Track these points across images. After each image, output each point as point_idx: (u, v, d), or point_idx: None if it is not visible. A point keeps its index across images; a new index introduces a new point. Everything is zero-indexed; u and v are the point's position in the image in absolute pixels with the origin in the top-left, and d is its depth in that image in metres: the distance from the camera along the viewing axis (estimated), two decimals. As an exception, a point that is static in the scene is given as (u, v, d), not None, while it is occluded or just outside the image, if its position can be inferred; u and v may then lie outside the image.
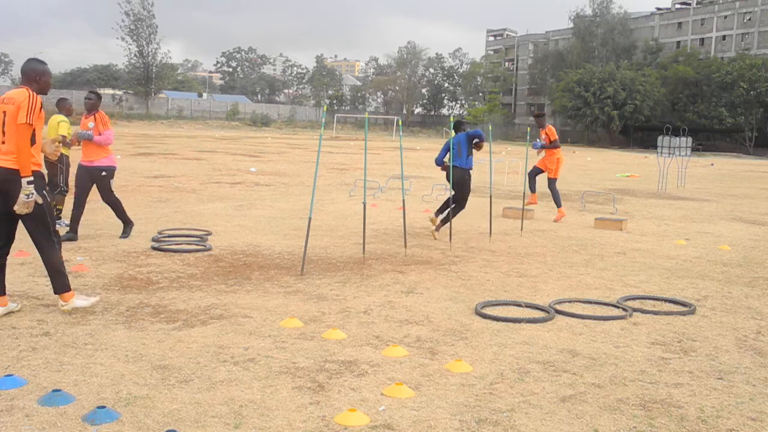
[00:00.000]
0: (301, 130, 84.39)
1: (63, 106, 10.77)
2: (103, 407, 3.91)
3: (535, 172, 13.79)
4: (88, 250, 8.63)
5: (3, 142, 5.64)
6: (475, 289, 7.34)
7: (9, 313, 5.79)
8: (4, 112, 5.65)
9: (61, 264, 5.95)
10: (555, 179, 13.35)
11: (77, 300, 6.03)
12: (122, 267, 7.80)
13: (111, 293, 6.62)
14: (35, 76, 5.79)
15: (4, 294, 5.85)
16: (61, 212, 10.45)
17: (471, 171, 10.29)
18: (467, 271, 8.24)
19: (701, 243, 11.14)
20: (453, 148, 10.20)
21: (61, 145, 10.25)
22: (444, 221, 10.29)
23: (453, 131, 10.44)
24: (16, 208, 5.54)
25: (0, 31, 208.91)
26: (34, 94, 5.68)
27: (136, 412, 3.97)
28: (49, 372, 4.53)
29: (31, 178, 5.54)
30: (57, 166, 10.44)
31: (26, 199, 5.50)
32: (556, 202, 13.18)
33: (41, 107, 5.69)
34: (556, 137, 13.45)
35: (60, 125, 10.29)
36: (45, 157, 10.21)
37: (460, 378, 4.72)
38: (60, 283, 5.92)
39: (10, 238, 5.92)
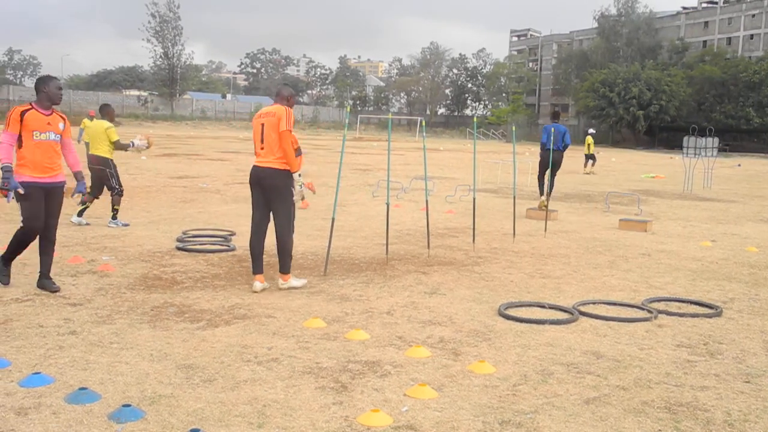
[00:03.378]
0: (325, 131, 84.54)
1: (107, 112, 11.07)
2: (129, 406, 3.95)
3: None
4: (113, 250, 8.72)
5: (262, 149, 7.02)
6: (498, 290, 7.32)
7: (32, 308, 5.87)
8: (262, 124, 7.02)
9: (291, 248, 7.20)
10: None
11: (293, 280, 7.10)
12: (147, 267, 7.87)
13: (136, 293, 6.69)
14: (288, 95, 7.35)
15: (262, 272, 7.10)
16: (117, 212, 10.74)
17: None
18: (490, 272, 8.22)
19: (728, 244, 11.01)
20: (552, 135, 13.69)
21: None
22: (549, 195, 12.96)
23: (551, 119, 14.09)
24: (295, 198, 7.39)
25: (25, 33, 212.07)
26: (289, 108, 7.21)
27: (160, 410, 4.01)
28: (76, 370, 4.59)
29: (299, 173, 7.49)
30: (106, 170, 10.68)
31: (300, 188, 7.67)
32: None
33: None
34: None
35: (108, 131, 10.61)
36: (91, 162, 10.61)
37: (483, 379, 4.71)
38: (285, 265, 7.07)
39: (268, 218, 7.19)
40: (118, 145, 10.66)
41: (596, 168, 30.38)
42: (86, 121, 20.14)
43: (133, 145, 10.88)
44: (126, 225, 10.66)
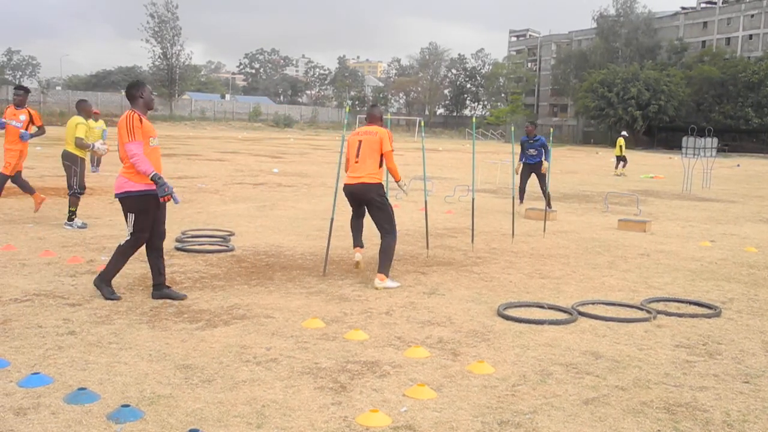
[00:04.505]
0: (324, 131, 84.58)
1: (82, 107, 10.84)
2: (128, 406, 3.95)
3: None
4: (112, 250, 8.69)
5: (356, 162, 7.57)
6: (497, 291, 7.32)
7: (34, 309, 5.87)
8: (360, 141, 7.58)
9: (392, 253, 7.56)
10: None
11: (389, 282, 7.36)
12: (146, 267, 7.84)
13: (135, 293, 6.68)
14: (380, 115, 7.90)
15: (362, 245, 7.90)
16: (74, 213, 10.41)
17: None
18: (489, 273, 8.22)
19: (727, 245, 11.01)
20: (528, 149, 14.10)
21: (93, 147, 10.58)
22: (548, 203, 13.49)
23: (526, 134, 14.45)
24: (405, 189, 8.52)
25: (24, 34, 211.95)
26: (389, 131, 7.81)
27: (159, 411, 4.00)
28: (75, 371, 4.58)
29: (403, 182, 8.20)
30: (71, 167, 10.42)
31: (405, 186, 8.42)
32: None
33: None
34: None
35: (78, 127, 10.39)
36: (61, 156, 10.43)
37: (482, 379, 4.71)
38: (384, 267, 7.38)
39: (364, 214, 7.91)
40: (78, 143, 10.35)
41: (595, 168, 30.38)
42: (91, 122, 19.95)
43: (93, 146, 10.63)
44: (83, 227, 10.30)
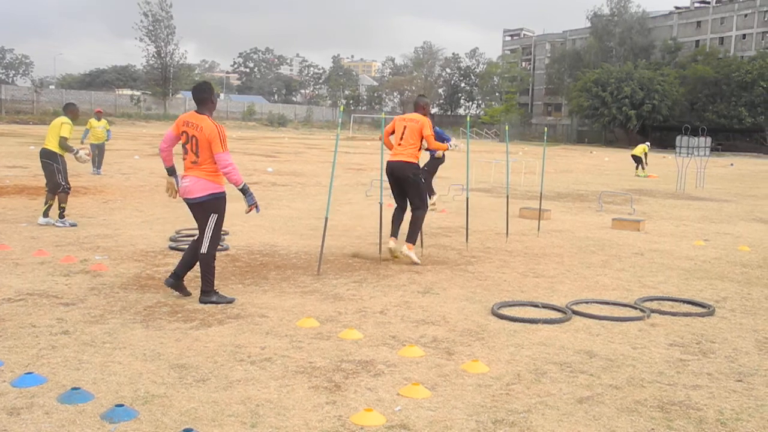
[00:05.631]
0: (318, 131, 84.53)
1: (70, 110, 10.83)
2: (122, 405, 3.94)
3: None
4: (106, 250, 8.69)
5: (399, 144, 8.62)
6: (491, 290, 7.32)
7: (27, 308, 5.85)
8: (405, 127, 8.63)
9: (421, 225, 8.67)
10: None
11: (413, 254, 8.42)
12: (140, 266, 7.85)
13: (129, 292, 6.67)
14: (424, 104, 8.95)
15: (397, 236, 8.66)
16: (64, 210, 10.43)
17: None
18: (484, 272, 8.23)
19: (720, 244, 11.05)
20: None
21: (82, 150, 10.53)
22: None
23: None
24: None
25: (17, 32, 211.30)
26: (428, 118, 8.83)
27: (153, 410, 4.00)
28: (68, 370, 4.57)
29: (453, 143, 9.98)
30: (53, 165, 10.35)
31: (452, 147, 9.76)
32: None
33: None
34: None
35: (63, 126, 10.34)
36: (40, 154, 10.33)
37: (477, 378, 4.71)
38: (412, 237, 8.50)
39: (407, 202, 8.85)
40: (62, 143, 10.28)
41: (589, 168, 30.41)
42: (92, 120, 19.59)
43: (77, 153, 10.59)
44: (74, 225, 10.32)
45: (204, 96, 6.45)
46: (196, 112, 6.46)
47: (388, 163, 8.72)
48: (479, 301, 6.83)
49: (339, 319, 6.01)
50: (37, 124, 59.08)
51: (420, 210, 8.64)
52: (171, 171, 6.69)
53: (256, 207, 6.56)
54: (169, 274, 6.59)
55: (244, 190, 6.44)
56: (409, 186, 8.63)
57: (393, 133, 8.80)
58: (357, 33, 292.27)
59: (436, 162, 12.00)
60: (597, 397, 4.46)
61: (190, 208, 6.55)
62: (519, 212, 13.54)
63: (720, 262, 9.41)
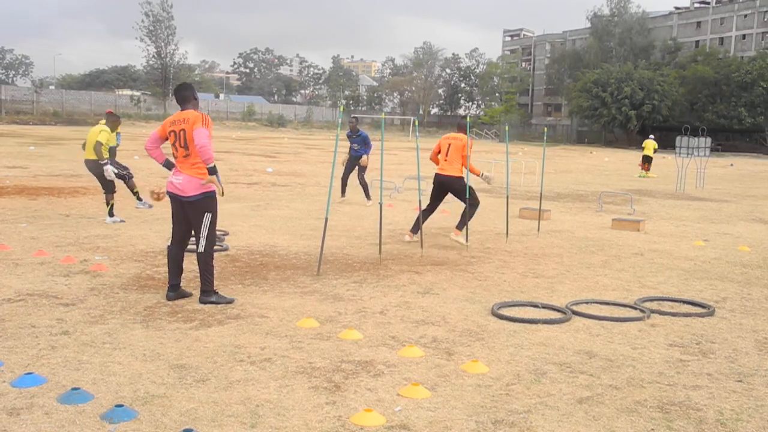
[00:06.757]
0: (318, 131, 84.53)
1: (112, 121, 11.24)
2: (121, 406, 3.94)
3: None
4: (106, 250, 8.69)
5: (446, 160, 9.81)
6: (491, 290, 7.32)
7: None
8: (449, 144, 9.84)
9: (471, 216, 9.85)
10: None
11: (461, 237, 9.68)
12: (140, 267, 7.85)
13: (129, 293, 6.67)
14: (464, 125, 9.96)
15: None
16: (138, 194, 11.20)
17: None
18: (484, 272, 8.23)
19: (720, 244, 11.05)
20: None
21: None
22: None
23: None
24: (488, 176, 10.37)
25: (17, 33, 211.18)
26: (470, 138, 9.95)
27: (153, 410, 4.00)
28: (68, 370, 4.57)
29: (485, 174, 10.32)
30: (101, 168, 10.70)
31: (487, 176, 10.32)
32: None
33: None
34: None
35: (101, 133, 10.71)
36: (87, 166, 10.75)
37: (477, 379, 4.71)
38: (461, 224, 9.70)
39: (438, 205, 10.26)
40: (97, 147, 10.63)
41: (589, 168, 30.39)
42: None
43: (106, 164, 10.75)
44: (151, 206, 11.12)
45: (186, 94, 6.50)
46: (181, 111, 6.49)
47: (437, 175, 9.93)
48: (479, 301, 6.83)
49: (339, 320, 6.01)
50: (37, 125, 59.15)
51: (473, 207, 9.82)
52: (168, 164, 6.70)
53: (220, 188, 6.45)
54: (168, 288, 6.56)
55: (213, 170, 6.31)
56: (459, 194, 9.84)
57: (440, 152, 9.93)
58: (357, 33, 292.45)
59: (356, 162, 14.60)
60: (597, 397, 4.46)
61: (181, 206, 6.50)
62: (519, 212, 13.54)
63: (720, 263, 9.41)
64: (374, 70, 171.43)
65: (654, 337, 5.83)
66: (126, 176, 10.84)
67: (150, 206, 11.04)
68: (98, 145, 10.62)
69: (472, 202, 9.73)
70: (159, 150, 6.67)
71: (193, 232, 6.57)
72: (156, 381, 4.45)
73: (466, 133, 9.94)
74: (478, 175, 10.13)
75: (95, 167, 10.75)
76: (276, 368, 4.77)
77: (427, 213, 10.02)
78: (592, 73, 77.96)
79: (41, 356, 4.83)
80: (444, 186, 9.91)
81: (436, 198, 10.07)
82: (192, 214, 6.45)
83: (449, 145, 9.84)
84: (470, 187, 9.73)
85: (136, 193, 10.93)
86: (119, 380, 4.44)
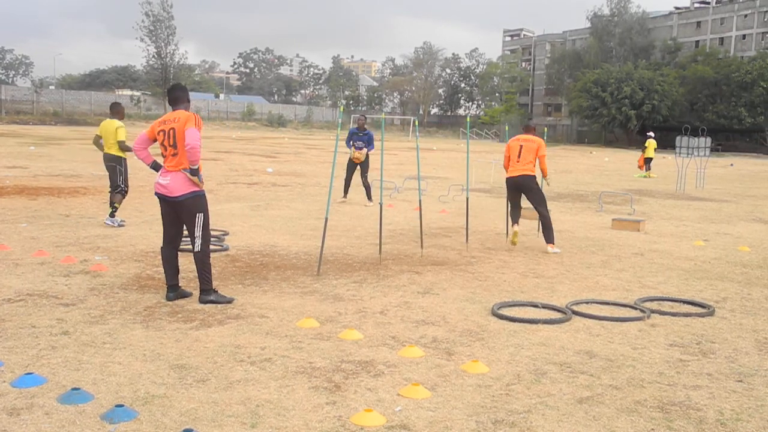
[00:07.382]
0: (318, 131, 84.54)
1: (117, 111, 11.05)
2: (121, 406, 3.94)
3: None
4: (106, 250, 8.69)
5: (518, 161, 9.81)
6: (491, 290, 7.32)
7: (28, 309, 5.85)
8: (521, 146, 9.83)
9: (551, 223, 9.81)
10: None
11: (555, 249, 9.69)
12: (140, 267, 7.85)
13: (129, 293, 6.67)
14: (534, 126, 10.21)
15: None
16: (116, 210, 10.75)
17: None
18: (484, 272, 8.23)
19: (720, 244, 11.04)
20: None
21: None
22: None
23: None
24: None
25: (17, 33, 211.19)
26: (543, 140, 9.94)
27: (153, 410, 4.00)
28: (68, 371, 4.57)
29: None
30: (116, 168, 10.69)
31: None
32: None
33: None
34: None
35: (118, 131, 10.65)
36: (105, 160, 10.68)
37: (477, 379, 4.71)
38: (549, 236, 9.76)
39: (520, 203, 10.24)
40: (123, 146, 10.68)
41: (589, 168, 30.38)
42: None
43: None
44: (122, 224, 10.66)
45: (178, 94, 6.52)
46: (173, 111, 6.51)
47: (509, 178, 9.98)
48: (479, 301, 6.83)
49: (339, 320, 6.01)
50: (37, 125, 59.13)
51: (545, 212, 9.87)
52: (155, 166, 6.75)
53: (201, 183, 6.44)
54: (167, 288, 6.55)
55: (195, 172, 6.33)
56: (533, 194, 9.82)
57: (510, 156, 9.94)
58: (357, 33, 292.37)
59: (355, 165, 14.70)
60: (597, 397, 4.46)
61: (170, 207, 6.48)
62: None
63: (720, 263, 9.41)
64: (374, 70, 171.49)
65: (654, 337, 5.83)
66: (123, 190, 10.64)
67: (121, 225, 10.61)
68: (122, 144, 10.62)
69: (543, 209, 9.81)
70: (146, 151, 6.70)
71: (186, 232, 6.57)
72: (156, 381, 4.45)
73: (535, 133, 10.09)
74: (545, 176, 10.31)
75: (112, 161, 10.72)
76: (276, 368, 4.77)
77: (515, 212, 10.07)
78: (592, 73, 77.95)
79: (41, 356, 4.83)
80: (519, 186, 9.93)
81: (514, 198, 10.12)
82: (183, 216, 6.44)
83: (521, 147, 9.87)
84: (540, 188, 9.91)
85: (115, 208, 10.64)
86: (119, 380, 4.44)
